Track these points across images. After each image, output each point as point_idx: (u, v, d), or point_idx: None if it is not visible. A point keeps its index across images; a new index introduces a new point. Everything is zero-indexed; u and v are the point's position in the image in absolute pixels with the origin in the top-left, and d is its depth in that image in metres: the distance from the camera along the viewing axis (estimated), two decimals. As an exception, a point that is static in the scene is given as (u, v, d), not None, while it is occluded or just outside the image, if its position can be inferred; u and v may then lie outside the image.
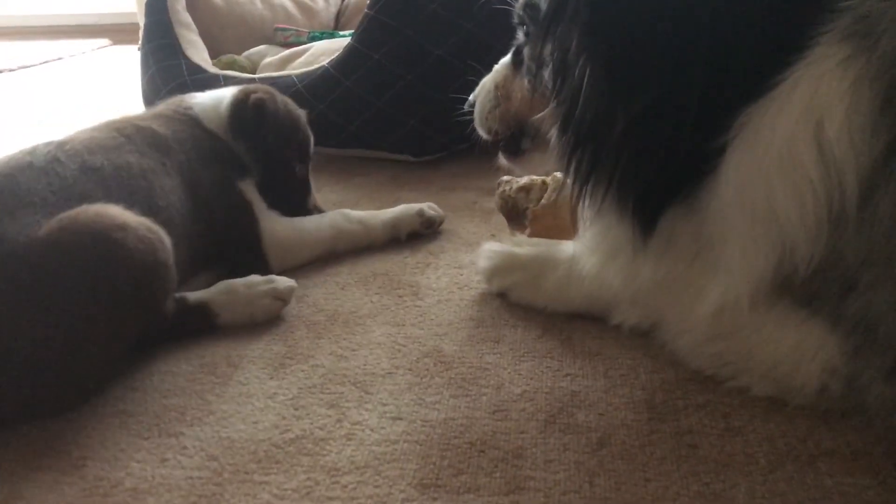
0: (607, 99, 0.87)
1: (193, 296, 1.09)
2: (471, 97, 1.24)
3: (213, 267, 1.19)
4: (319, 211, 1.41)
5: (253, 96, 1.30)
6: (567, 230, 1.18)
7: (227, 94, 1.33)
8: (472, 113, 1.23)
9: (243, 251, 1.23)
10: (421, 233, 1.39)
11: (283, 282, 1.14)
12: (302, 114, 1.40)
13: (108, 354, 0.96)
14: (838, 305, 0.80)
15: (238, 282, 1.12)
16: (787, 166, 0.79)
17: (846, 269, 0.78)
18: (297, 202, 1.38)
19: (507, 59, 1.19)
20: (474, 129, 1.23)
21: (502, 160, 1.24)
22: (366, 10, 1.78)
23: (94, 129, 1.16)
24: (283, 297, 1.13)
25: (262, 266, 1.23)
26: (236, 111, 1.29)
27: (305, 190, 1.41)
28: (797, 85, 0.79)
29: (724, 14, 0.82)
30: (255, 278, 1.13)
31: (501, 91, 1.18)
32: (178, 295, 1.06)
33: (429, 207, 1.41)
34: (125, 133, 1.14)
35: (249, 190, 1.27)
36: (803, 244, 0.79)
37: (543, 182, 1.25)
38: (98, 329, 0.93)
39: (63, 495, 0.79)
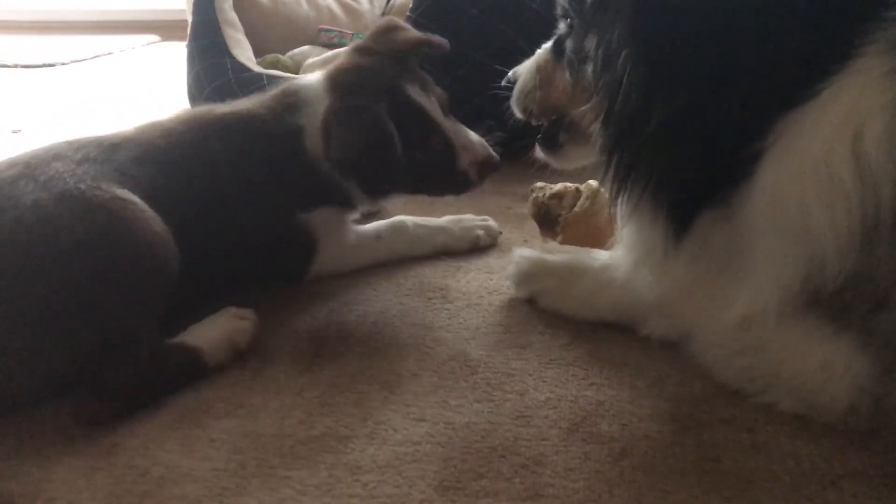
0: (647, 94, 0.86)
1: (171, 342, 1.01)
2: (511, 73, 1.23)
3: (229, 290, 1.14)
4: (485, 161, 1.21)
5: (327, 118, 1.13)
6: (599, 238, 1.18)
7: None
8: (509, 88, 1.22)
9: (282, 268, 1.23)
10: None
11: (230, 308, 1.08)
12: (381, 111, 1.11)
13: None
14: (868, 323, 0.79)
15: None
16: (822, 176, 0.78)
17: (877, 285, 0.77)
18: (442, 177, 1.20)
19: (548, 45, 1.17)
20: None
21: (539, 153, 1.23)
22: (407, 14, 1.80)
23: (150, 126, 1.13)
24: (241, 316, 1.06)
25: (298, 278, 1.23)
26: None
27: (448, 155, 1.18)
28: (838, 94, 0.79)
29: (771, 17, 0.82)
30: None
31: (542, 75, 1.17)
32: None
33: (486, 233, 1.36)
34: (174, 138, 1.11)
35: (319, 219, 1.20)
36: (833, 256, 0.78)
37: (577, 189, 1.25)
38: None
39: (93, 481, 0.82)
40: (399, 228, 1.32)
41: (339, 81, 1.18)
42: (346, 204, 1.24)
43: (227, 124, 1.16)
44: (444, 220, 1.37)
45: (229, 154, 1.13)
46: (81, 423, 0.91)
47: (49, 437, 0.89)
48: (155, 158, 1.07)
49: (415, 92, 1.17)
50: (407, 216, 1.35)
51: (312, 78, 1.22)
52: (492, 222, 1.40)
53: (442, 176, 1.20)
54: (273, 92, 1.23)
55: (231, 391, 0.96)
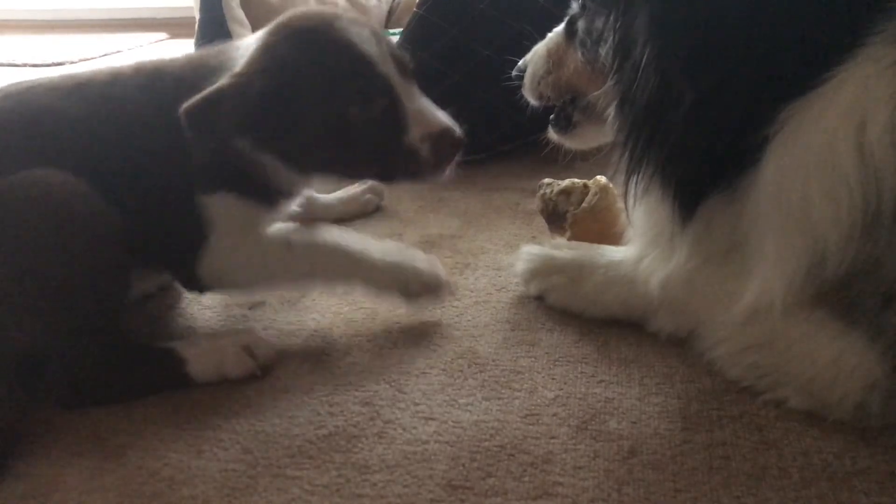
0: (676, 77, 0.86)
1: (159, 344, 1.00)
2: (520, 63, 1.24)
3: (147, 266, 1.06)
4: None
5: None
6: (607, 234, 1.18)
7: None
8: (520, 79, 1.24)
9: (174, 258, 1.06)
10: None
11: (255, 336, 1.01)
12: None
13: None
14: (878, 318, 0.79)
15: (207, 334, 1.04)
16: (825, 165, 0.78)
17: (884, 279, 0.76)
18: (385, 147, 0.99)
19: (560, 28, 1.19)
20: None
21: (552, 134, 1.24)
22: (414, 9, 1.80)
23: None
24: (251, 352, 0.98)
25: (192, 283, 1.06)
26: None
27: (395, 121, 0.97)
28: (844, 84, 0.78)
29: (782, 6, 0.82)
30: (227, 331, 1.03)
31: (554, 58, 1.18)
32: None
33: (373, 195, 1.51)
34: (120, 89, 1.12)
35: (217, 205, 1.02)
36: (835, 247, 0.78)
37: (585, 185, 1.24)
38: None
39: (102, 482, 0.82)
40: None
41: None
42: (258, 192, 1.04)
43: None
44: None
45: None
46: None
47: (59, 438, 0.90)
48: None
49: (358, 37, 0.97)
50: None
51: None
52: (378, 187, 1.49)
53: (385, 146, 0.99)
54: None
55: (239, 391, 0.97)
